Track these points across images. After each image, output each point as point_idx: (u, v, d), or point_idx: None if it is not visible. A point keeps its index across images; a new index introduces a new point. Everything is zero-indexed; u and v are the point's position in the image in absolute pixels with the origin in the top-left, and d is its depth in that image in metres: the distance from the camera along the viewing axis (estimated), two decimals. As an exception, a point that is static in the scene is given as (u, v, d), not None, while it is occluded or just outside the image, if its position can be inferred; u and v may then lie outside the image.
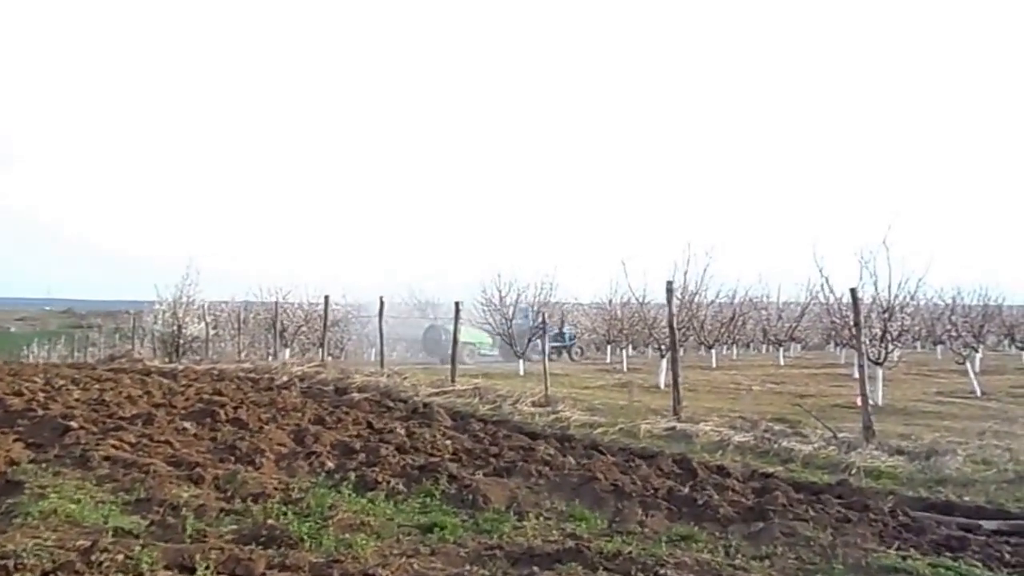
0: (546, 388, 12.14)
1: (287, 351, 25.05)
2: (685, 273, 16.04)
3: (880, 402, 13.60)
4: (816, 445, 8.43)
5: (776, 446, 8.42)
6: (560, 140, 76.70)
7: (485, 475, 6.99)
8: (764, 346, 31.88)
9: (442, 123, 75.70)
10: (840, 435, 8.95)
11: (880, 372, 13.72)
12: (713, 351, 23.12)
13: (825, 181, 69.69)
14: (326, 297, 19.13)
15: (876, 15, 72.28)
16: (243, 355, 22.70)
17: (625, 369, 20.61)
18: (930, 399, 14.68)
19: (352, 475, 6.59)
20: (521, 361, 18.50)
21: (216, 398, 10.76)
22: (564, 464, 7.29)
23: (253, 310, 26.07)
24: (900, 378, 20.74)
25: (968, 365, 16.33)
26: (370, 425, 9.58)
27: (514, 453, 7.97)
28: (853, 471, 7.48)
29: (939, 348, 26.80)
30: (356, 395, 12.36)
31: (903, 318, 13.66)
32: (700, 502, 5.73)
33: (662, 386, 16.57)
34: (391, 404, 11.66)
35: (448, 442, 8.47)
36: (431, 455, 7.78)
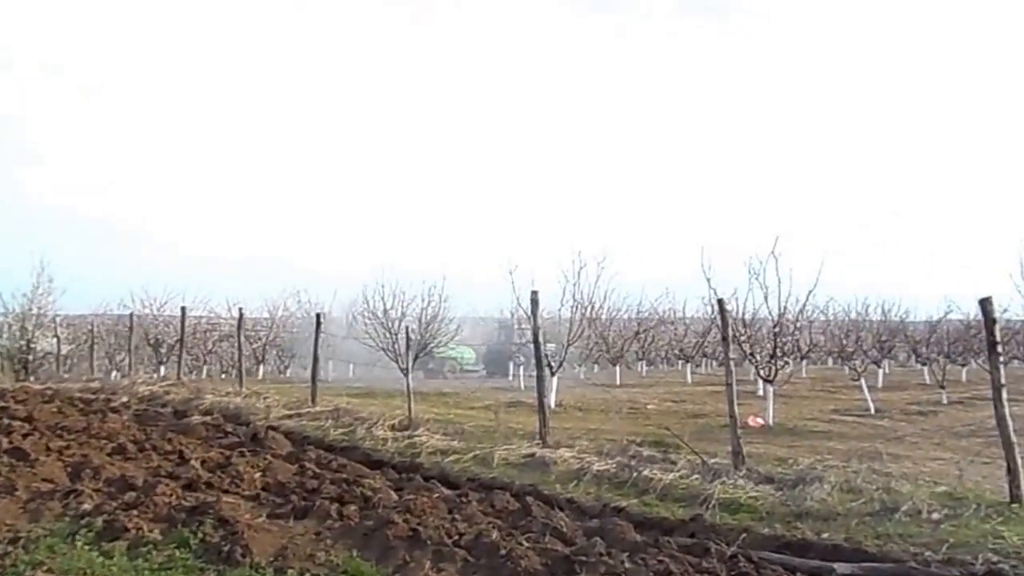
0: (409, 410, 11.06)
1: (163, 368, 23.32)
2: (575, 284, 15.17)
3: (771, 422, 13.02)
4: (680, 473, 7.58)
5: (636, 475, 7.54)
6: (452, 136, 75.01)
7: (278, 516, 5.91)
8: (679, 362, 31.52)
9: (315, 118, 73.03)
10: (712, 461, 8.17)
11: (771, 390, 13.13)
12: (617, 368, 22.41)
13: (730, 188, 70.14)
14: (182, 309, 17.62)
15: (771, 28, 74.02)
16: (100, 373, 20.77)
17: (522, 387, 19.67)
18: (824, 417, 14.19)
19: (100, 520, 5.38)
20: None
21: (15, 423, 9.30)
22: (379, 502, 6.22)
23: (123, 323, 24.14)
24: (803, 395, 20.47)
25: (863, 381, 15.98)
26: (180, 455, 8.32)
27: (334, 487, 6.89)
28: (711, 504, 6.64)
29: (855, 364, 26.83)
30: (196, 419, 11.03)
31: (796, 333, 13.10)
32: (503, 551, 4.74)
33: (552, 405, 15.69)
34: (230, 429, 10.39)
35: (259, 475, 7.33)
36: (228, 491, 6.65)
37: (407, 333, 12.36)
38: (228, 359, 30.29)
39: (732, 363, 8.48)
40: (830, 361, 32.43)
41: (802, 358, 29.84)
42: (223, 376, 28.34)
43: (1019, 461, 6.40)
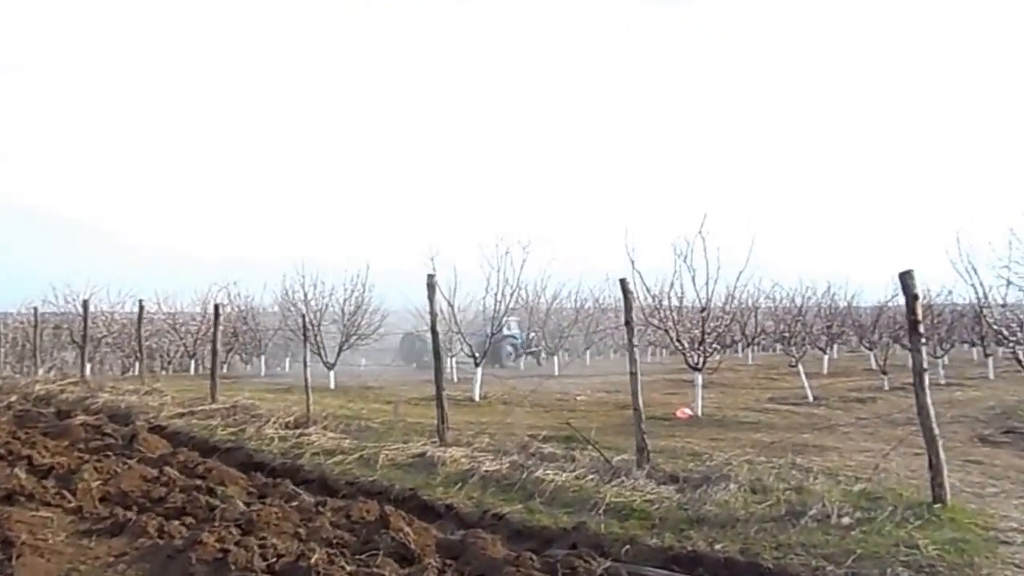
0: (308, 406, 10.16)
1: (88, 366, 22.03)
2: (498, 269, 14.35)
3: (700, 413, 12.38)
4: (576, 474, 6.81)
5: (526, 477, 6.75)
6: (376, 121, 73.45)
7: (89, 533, 5.05)
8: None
9: (239, 109, 71.00)
10: (619, 458, 7.42)
11: (700, 379, 12.48)
12: (556, 358, 21.68)
13: (661, 173, 69.58)
14: (84, 303, 16.42)
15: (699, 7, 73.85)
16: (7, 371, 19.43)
17: (455, 379, 18.82)
18: (758, 407, 13.57)
19: None
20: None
21: None
22: (221, 514, 5.36)
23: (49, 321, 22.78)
24: (745, 383, 19.95)
25: (800, 368, 15.41)
26: (29, 460, 7.38)
27: (183, 496, 6.08)
28: (600, 510, 5.88)
29: (792, 350, 26.47)
30: (78, 419, 10.01)
31: (739, 319, 12.45)
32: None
33: (477, 398, 14.91)
34: (110, 430, 9.44)
35: (99, 483, 6.42)
36: (49, 503, 5.81)
37: (311, 323, 11.36)
38: (166, 355, 29.00)
39: (636, 350, 7.72)
40: (778, 348, 32.12)
41: (748, 345, 29.59)
42: (163, 372, 27.05)
43: (943, 456, 5.74)
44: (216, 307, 12.55)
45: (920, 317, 5.74)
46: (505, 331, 23.59)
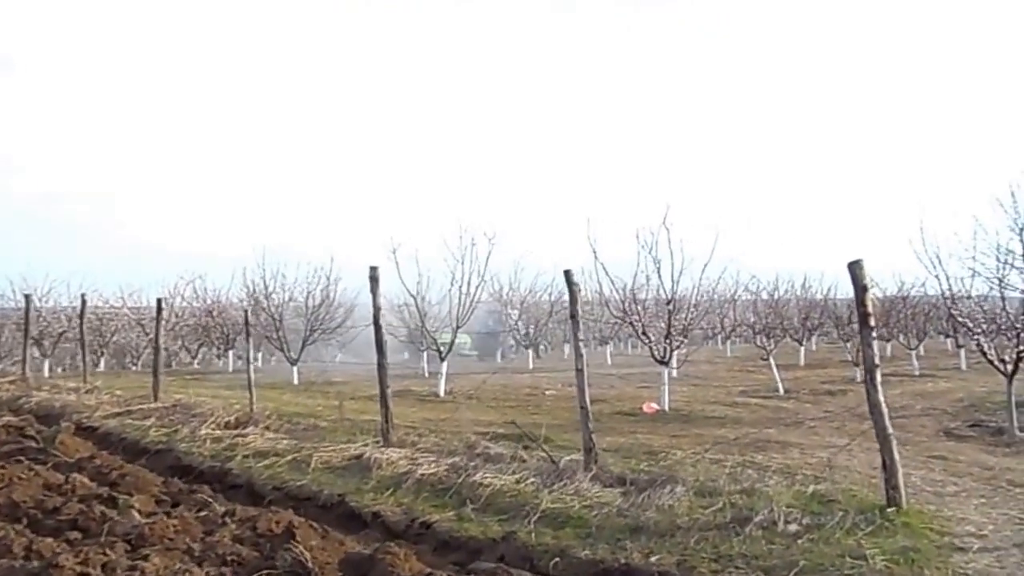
0: (251, 404, 9.69)
1: (47, 363, 21.41)
2: (462, 260, 13.91)
3: (666, 407, 12.01)
4: (517, 476, 6.40)
5: (463, 480, 6.33)
6: (335, 109, 72.28)
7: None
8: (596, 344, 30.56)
9: (201, 101, 69.62)
10: (568, 458, 7.03)
11: (666, 373, 12.10)
12: (530, 351, 21.29)
13: (626, 165, 68.87)
14: (27, 297, 15.83)
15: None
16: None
17: (426, 374, 18.37)
18: (727, 400, 13.24)
19: None
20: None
21: None
22: (112, 528, 4.90)
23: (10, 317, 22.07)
24: (720, 375, 19.65)
25: (771, 360, 15.10)
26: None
27: (81, 506, 5.58)
28: (534, 517, 5.47)
29: (766, 342, 26.24)
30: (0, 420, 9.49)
31: (691, 312, 12.06)
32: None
33: (441, 394, 14.48)
34: (33, 431, 8.95)
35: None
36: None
37: (273, 317, 10.88)
38: (134, 351, 28.36)
39: (581, 344, 7.30)
40: (758, 340, 31.93)
41: (726, 337, 29.34)
42: (133, 368, 26.47)
43: (897, 457, 5.37)
44: (159, 301, 12.01)
45: (870, 310, 5.37)
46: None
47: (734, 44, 73.16)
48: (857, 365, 16.29)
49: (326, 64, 73.39)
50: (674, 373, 18.51)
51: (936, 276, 8.98)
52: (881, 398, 5.34)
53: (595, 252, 10.94)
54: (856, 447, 8.05)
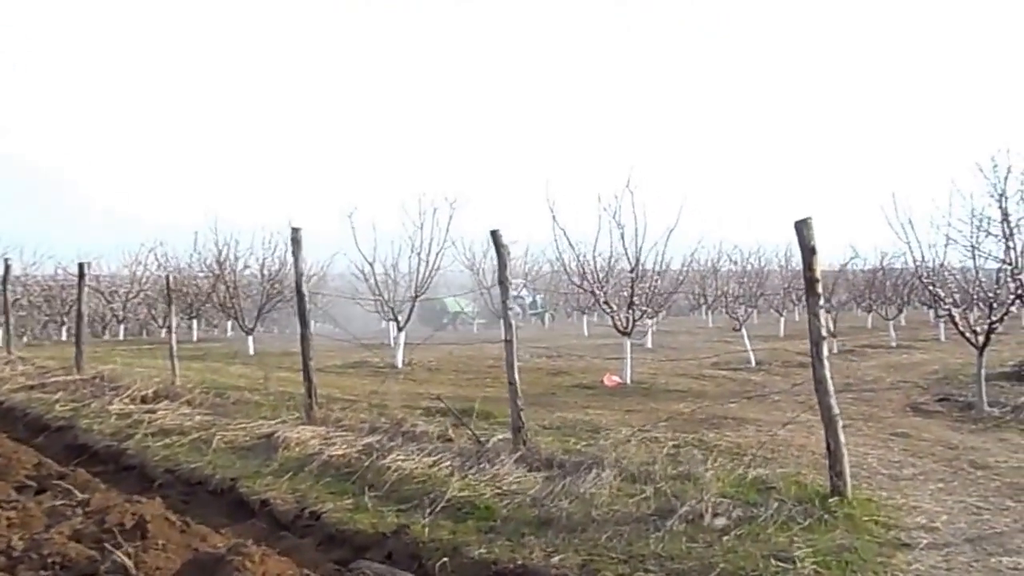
0: (174, 375, 9.05)
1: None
2: (421, 227, 13.24)
3: (628, 380, 11.45)
4: (434, 459, 5.79)
5: (370, 463, 5.72)
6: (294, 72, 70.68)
7: None
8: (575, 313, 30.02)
9: (160, 68, 67.61)
10: (499, 437, 6.44)
11: (628, 344, 11.51)
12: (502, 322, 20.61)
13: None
14: (6, 261, 15.03)
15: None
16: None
17: (392, 344, 17.72)
18: (695, 372, 12.66)
19: None
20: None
21: None
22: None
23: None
24: (697, 347, 19.07)
25: (744, 331, 14.53)
26: None
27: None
28: (437, 508, 4.86)
29: (754, 312, 25.73)
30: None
31: (655, 280, 11.43)
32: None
33: (400, 365, 13.88)
34: (-66, 407, 8.29)
35: None
36: None
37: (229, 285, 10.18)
38: (99, 320, 27.65)
39: (511, 313, 6.66)
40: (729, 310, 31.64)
41: (708, 308, 28.81)
42: (105, 337, 25.82)
43: (842, 439, 4.77)
44: (81, 266, 11.27)
45: (818, 275, 4.73)
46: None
47: (708, 9, 71.71)
48: (834, 336, 15.78)
49: (289, 31, 71.85)
50: (648, 344, 18.05)
51: (907, 243, 8.35)
52: (828, 373, 4.74)
53: (554, 216, 10.28)
54: (816, 423, 7.49)
